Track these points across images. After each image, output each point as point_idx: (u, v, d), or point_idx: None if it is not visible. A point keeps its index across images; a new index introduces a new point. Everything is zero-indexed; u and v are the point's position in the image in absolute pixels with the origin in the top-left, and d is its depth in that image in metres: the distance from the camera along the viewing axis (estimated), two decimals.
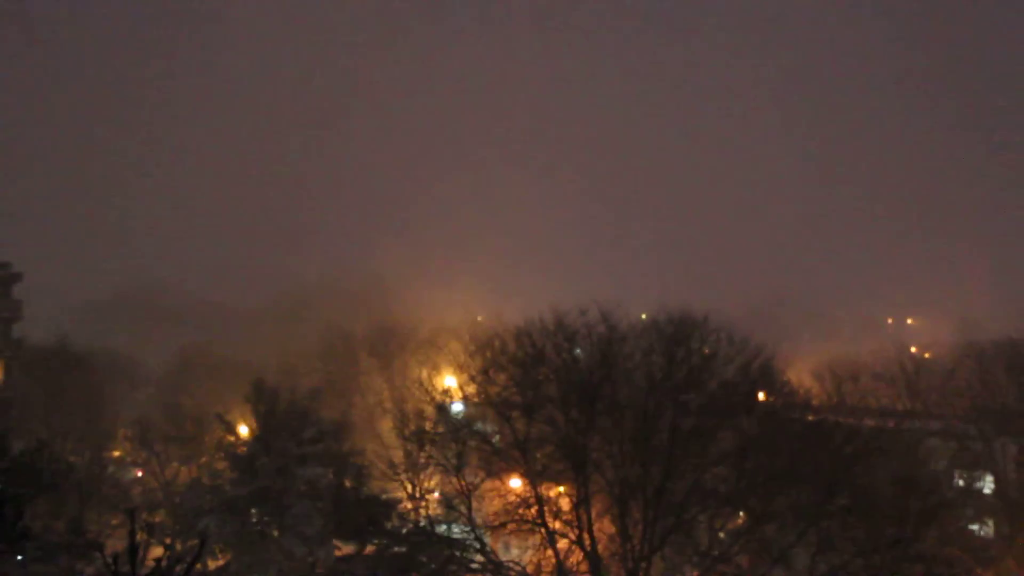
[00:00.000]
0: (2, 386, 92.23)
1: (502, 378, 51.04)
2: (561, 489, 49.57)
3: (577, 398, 47.25)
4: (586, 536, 46.76)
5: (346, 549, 51.91)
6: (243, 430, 59.07)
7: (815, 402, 62.38)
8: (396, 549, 50.33)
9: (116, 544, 39.21)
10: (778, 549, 45.45)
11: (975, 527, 60.60)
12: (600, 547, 46.79)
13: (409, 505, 55.73)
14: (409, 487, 58.91)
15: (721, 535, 47.83)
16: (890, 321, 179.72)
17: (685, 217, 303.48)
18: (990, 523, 63.09)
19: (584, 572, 47.23)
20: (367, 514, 51.65)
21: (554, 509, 48.38)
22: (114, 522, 56.00)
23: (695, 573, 46.50)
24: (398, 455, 60.65)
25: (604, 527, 47.41)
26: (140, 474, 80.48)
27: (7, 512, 11.13)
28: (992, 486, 65.01)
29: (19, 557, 31.69)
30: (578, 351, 51.19)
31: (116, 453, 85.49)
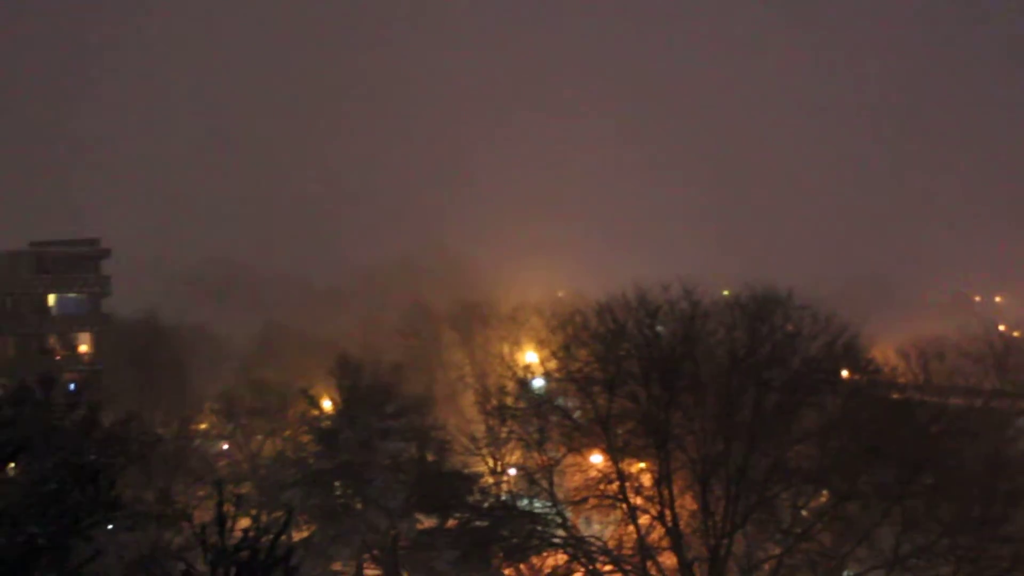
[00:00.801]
0: (92, 360, 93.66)
1: (583, 354, 51.00)
2: (642, 465, 49.44)
3: (659, 374, 47.04)
4: (667, 512, 46.61)
5: (428, 522, 52.13)
6: (326, 404, 59.49)
7: (900, 380, 61.75)
8: (478, 523, 50.37)
9: (203, 515, 39.54)
10: (862, 528, 45.06)
11: None
12: (681, 523, 46.65)
13: (490, 480, 55.88)
14: (491, 462, 59.01)
15: (804, 513, 47.53)
16: (978, 299, 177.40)
17: (771, 193, 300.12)
18: None
19: (665, 548, 47.14)
20: (449, 488, 51.79)
21: (635, 485, 48.28)
22: (201, 493, 56.64)
23: (777, 550, 46.21)
24: (480, 430, 60.77)
25: (686, 503, 47.25)
26: (226, 447, 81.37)
27: (100, 482, 11.35)
28: None
29: (109, 527, 32.11)
30: (660, 327, 50.98)
31: (202, 426, 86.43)
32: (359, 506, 51.31)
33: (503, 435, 57.44)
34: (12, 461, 10.92)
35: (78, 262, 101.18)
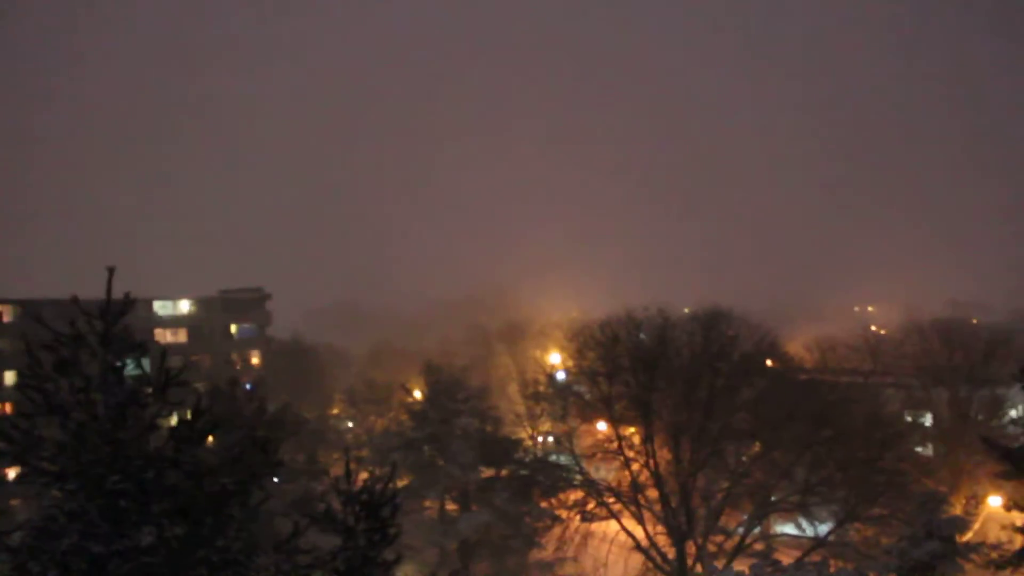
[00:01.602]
0: (260, 368, 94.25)
1: (591, 355, 50.96)
2: (633, 429, 49.20)
3: (643, 367, 46.96)
4: (651, 461, 46.42)
5: (488, 472, 51.96)
6: (417, 394, 59.54)
7: (807, 366, 61.60)
8: (522, 472, 50.32)
9: (337, 470, 39.60)
10: (783, 468, 44.85)
11: (919, 449, 59.11)
12: (661, 468, 46.41)
13: (530, 443, 55.65)
14: (529, 430, 58.87)
15: (744, 459, 47.30)
16: (856, 308, 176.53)
17: (723, 227, 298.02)
18: (930, 446, 61.90)
19: (650, 485, 46.91)
20: (502, 449, 51.66)
21: (629, 443, 48.11)
22: (335, 456, 56.75)
23: (726, 484, 45.92)
24: (521, 409, 60.62)
25: (663, 455, 46.98)
26: (350, 424, 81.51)
27: (268, 449, 11.38)
28: (931, 421, 64.03)
29: (275, 480, 32.12)
30: (642, 335, 50.99)
31: (334, 411, 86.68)
32: (441, 463, 51.14)
33: (537, 412, 57.48)
34: (211, 436, 10.95)
35: (250, 303, 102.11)
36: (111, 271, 10.38)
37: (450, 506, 52.03)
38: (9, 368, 76.61)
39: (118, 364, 10.58)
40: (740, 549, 43.61)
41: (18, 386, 10.61)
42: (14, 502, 59.12)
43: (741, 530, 45.79)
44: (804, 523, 45.39)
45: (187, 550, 10.29)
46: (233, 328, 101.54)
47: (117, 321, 10.51)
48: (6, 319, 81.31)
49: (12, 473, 64.06)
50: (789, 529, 47.92)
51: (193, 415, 10.88)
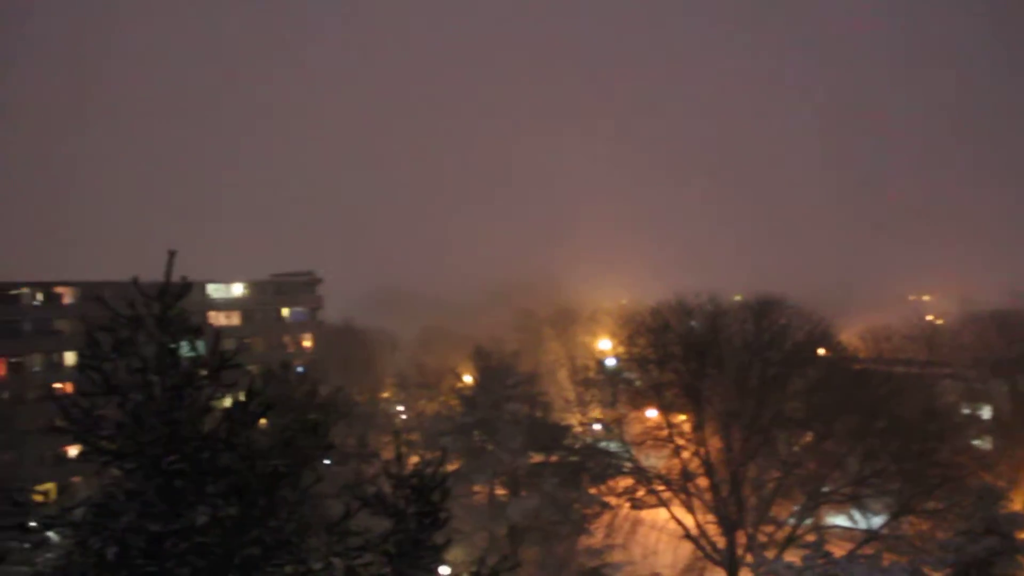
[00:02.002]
0: (312, 352, 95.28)
1: (641, 341, 50.82)
2: (683, 417, 48.96)
3: (693, 354, 46.70)
4: (701, 449, 46.17)
5: (537, 458, 52.08)
6: (467, 379, 59.79)
7: (861, 356, 60.81)
8: (571, 458, 50.34)
9: (387, 454, 39.95)
10: (835, 458, 44.33)
11: (977, 442, 58.01)
12: (711, 456, 46.14)
13: (579, 429, 55.55)
14: (579, 416, 58.74)
15: (795, 448, 46.85)
16: (912, 298, 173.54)
17: (771, 216, 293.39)
18: (988, 440, 60.75)
19: (700, 474, 46.66)
20: (551, 435, 51.74)
21: (679, 431, 47.88)
22: (385, 440, 57.14)
23: (777, 474, 45.51)
24: (571, 395, 60.50)
25: (714, 443, 46.68)
26: (400, 408, 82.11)
27: (320, 432, 11.54)
28: (989, 414, 62.82)
29: (326, 462, 32.46)
30: (693, 322, 50.67)
31: (385, 395, 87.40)
32: (491, 447, 51.38)
33: (587, 398, 57.31)
34: (263, 418, 11.10)
35: (302, 287, 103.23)
36: (172, 255, 10.54)
37: (499, 491, 52.25)
38: (70, 349, 78.38)
39: (174, 346, 10.75)
40: (791, 540, 43.22)
41: (78, 366, 10.83)
42: (75, 479, 60.70)
43: (792, 521, 45.38)
44: (857, 515, 44.83)
45: (241, 530, 10.45)
46: (285, 311, 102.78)
47: (174, 304, 10.68)
48: (67, 301, 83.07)
49: (73, 451, 65.83)
50: (841, 521, 47.33)
51: (247, 397, 11.03)
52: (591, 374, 55.90)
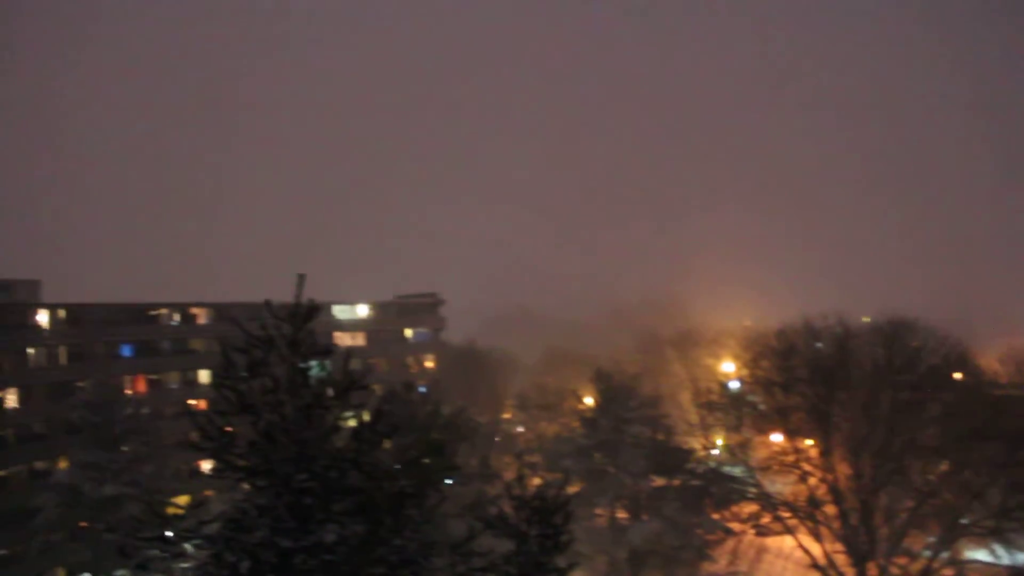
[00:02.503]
0: (435, 372, 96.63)
1: (766, 364, 49.80)
2: (810, 442, 47.68)
3: (821, 378, 45.46)
4: (830, 476, 44.85)
5: (659, 481, 51.56)
6: (588, 401, 59.63)
7: (1001, 380, 57.90)
8: (694, 482, 49.67)
9: (509, 475, 40.10)
10: (975, 489, 42.32)
11: None
12: (840, 483, 44.73)
13: (702, 453, 54.72)
14: (702, 440, 57.85)
15: (930, 477, 44.96)
16: None
17: (901, 234, 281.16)
18: None
19: (828, 501, 45.31)
20: (673, 458, 51.20)
21: (806, 456, 46.66)
22: (506, 460, 57.42)
23: (911, 503, 43.80)
24: (694, 418, 59.65)
25: (842, 470, 45.25)
26: (521, 429, 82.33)
27: (444, 452, 11.70)
28: None
29: (449, 482, 32.79)
30: (820, 344, 49.41)
31: (506, 416, 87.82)
32: (612, 470, 51.10)
33: (710, 421, 56.46)
34: (388, 438, 11.32)
35: (425, 308, 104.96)
36: (301, 278, 10.88)
37: (620, 514, 51.89)
38: (204, 367, 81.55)
39: (305, 367, 11.08)
40: (927, 574, 41.49)
41: (214, 385, 11.26)
42: (208, 493, 62.92)
43: (928, 553, 43.51)
44: (999, 550, 42.70)
45: (367, 548, 10.66)
46: (408, 332, 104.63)
47: (304, 325, 11.01)
48: (201, 321, 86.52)
49: (206, 465, 68.10)
50: (982, 556, 45.13)
51: (373, 418, 11.27)
52: (714, 397, 55.00)
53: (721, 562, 47.41)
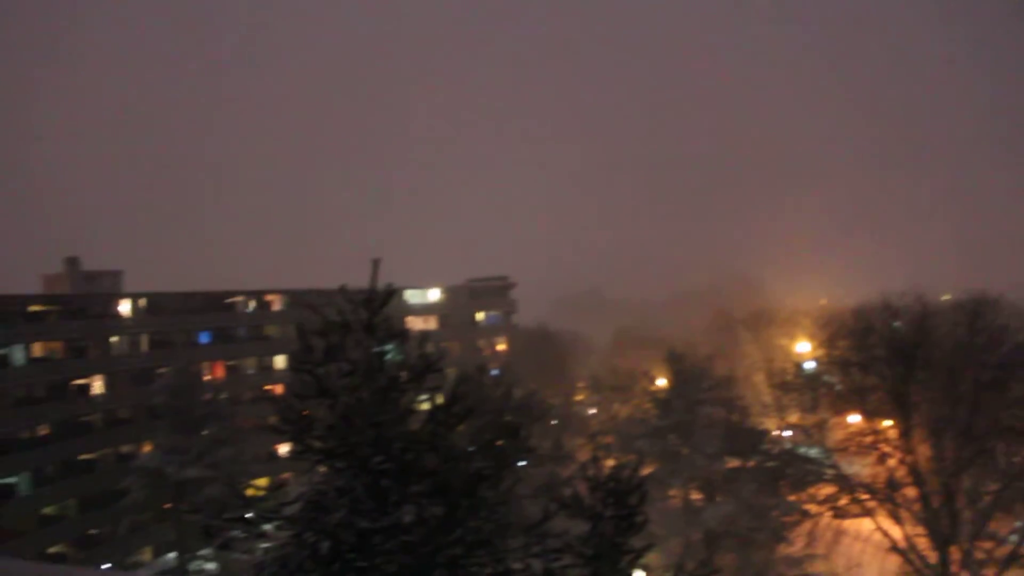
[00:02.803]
0: (506, 355, 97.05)
1: (843, 343, 49.07)
2: (889, 423, 46.84)
3: (899, 358, 44.55)
4: (909, 457, 44.02)
5: (733, 463, 51.26)
6: (661, 382, 59.43)
7: None
8: (769, 464, 49.27)
9: (582, 456, 40.14)
10: None
11: None
12: (920, 465, 43.85)
13: (777, 433, 54.19)
14: (777, 421, 57.27)
15: (1016, 459, 43.90)
16: None
17: (981, 207, 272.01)
18: None
19: (908, 483, 44.50)
20: (748, 439, 50.88)
21: (884, 438, 45.85)
22: (579, 442, 57.57)
23: (996, 486, 42.80)
24: (768, 399, 59.04)
25: (923, 451, 44.37)
26: (593, 411, 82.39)
27: (517, 435, 11.79)
28: None
29: (522, 463, 32.94)
30: (898, 324, 48.46)
31: (578, 398, 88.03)
32: (686, 451, 50.93)
33: (785, 402, 55.84)
34: (463, 422, 11.46)
35: (496, 291, 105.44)
36: (376, 263, 11.03)
37: (694, 496, 51.71)
38: (279, 353, 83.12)
39: (381, 351, 11.25)
40: (1014, 558, 40.54)
41: (293, 369, 11.52)
42: (286, 475, 64.26)
43: (1015, 538, 42.52)
44: None
45: (444, 529, 10.81)
46: (480, 316, 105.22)
47: (380, 310, 11.18)
48: (276, 308, 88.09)
49: (283, 449, 69.50)
50: None
51: (449, 401, 11.40)
52: (789, 377, 54.32)
53: (797, 544, 46.96)
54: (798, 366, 55.92)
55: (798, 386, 52.55)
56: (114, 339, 73.16)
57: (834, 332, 50.81)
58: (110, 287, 76.52)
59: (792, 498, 48.47)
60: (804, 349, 74.96)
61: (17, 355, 64.37)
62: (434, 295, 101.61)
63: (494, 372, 56.59)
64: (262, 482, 63.19)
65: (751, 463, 50.11)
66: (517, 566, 11.82)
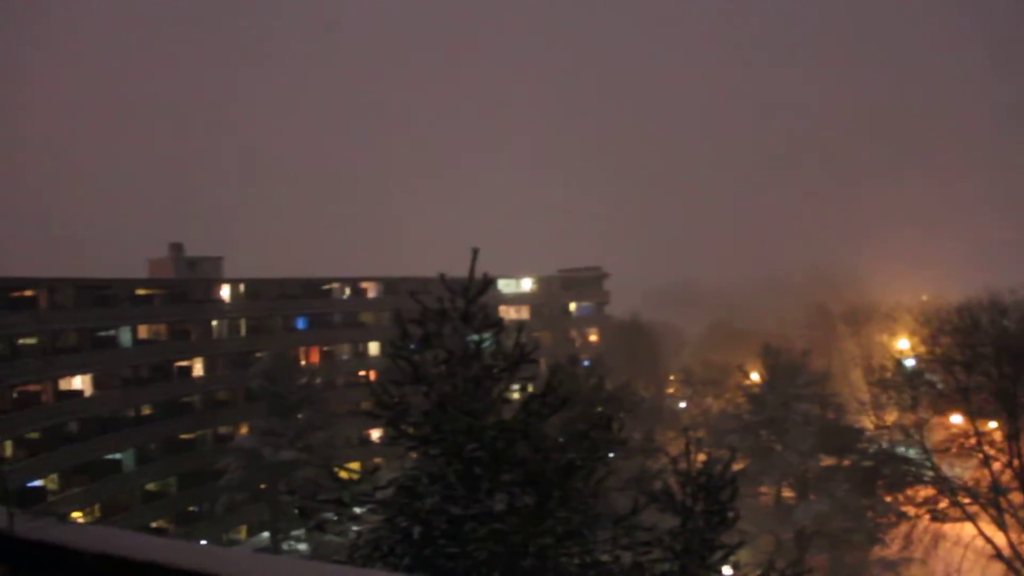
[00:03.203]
0: (598, 346, 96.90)
1: (946, 341, 47.66)
2: (994, 424, 45.35)
3: (1007, 357, 43.08)
4: (1016, 461, 42.56)
5: (827, 461, 50.28)
6: (754, 376, 58.59)
7: None
8: (865, 463, 48.24)
9: (673, 450, 39.84)
10: None
11: None
12: None
13: (874, 432, 52.88)
14: (874, 419, 55.91)
15: None
16: None
17: None
18: None
19: (1014, 488, 43.03)
20: (843, 437, 49.84)
21: (989, 439, 44.45)
22: (670, 435, 57.11)
23: None
24: (865, 396, 57.67)
25: None
26: (684, 405, 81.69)
27: (609, 426, 11.81)
28: None
29: (611, 455, 32.91)
30: (1006, 322, 46.80)
31: (670, 390, 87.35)
32: (779, 448, 50.13)
33: (883, 400, 54.52)
34: (556, 412, 11.52)
35: (589, 282, 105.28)
36: (475, 252, 11.16)
37: (787, 493, 50.91)
38: (373, 339, 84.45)
39: (477, 339, 11.39)
40: None
41: (390, 356, 11.73)
42: (377, 460, 65.34)
43: None
44: None
45: (535, 519, 10.90)
46: (572, 306, 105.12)
47: (477, 299, 11.31)
48: (370, 295, 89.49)
49: (375, 434, 70.54)
50: None
51: (543, 391, 11.47)
52: (888, 375, 52.98)
53: (893, 547, 45.87)
54: (898, 363, 54.48)
55: (898, 384, 51.29)
56: (214, 323, 75.29)
57: (937, 329, 49.39)
58: (211, 272, 78.70)
59: (888, 499, 47.42)
60: (904, 346, 73.00)
61: (124, 337, 66.77)
62: (526, 285, 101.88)
63: (586, 363, 56.51)
64: (354, 466, 64.47)
65: (846, 462, 49.11)
66: (605, 558, 11.86)
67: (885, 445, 50.13)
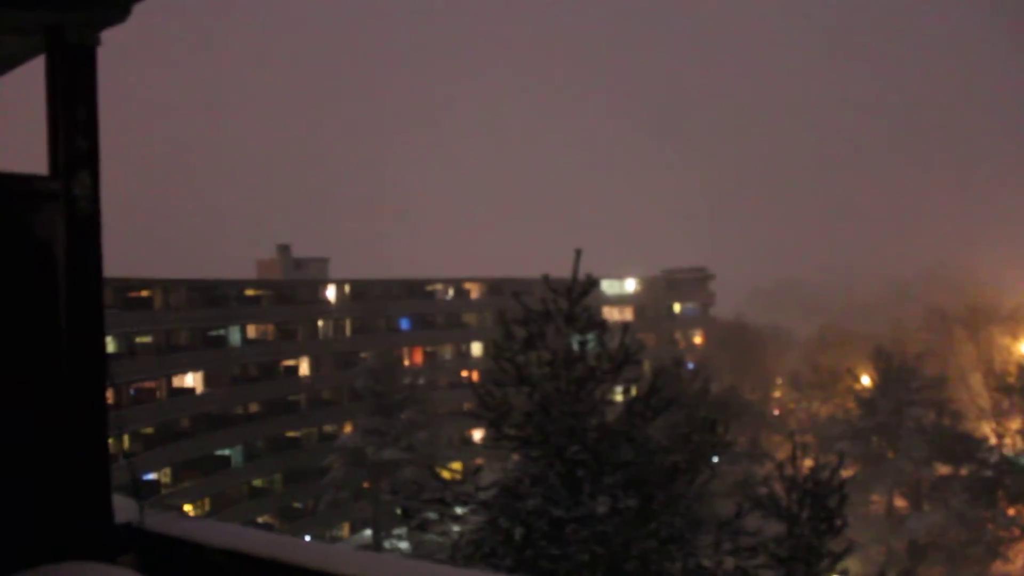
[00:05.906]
0: (703, 348, 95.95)
1: None
2: None
3: None
4: None
5: (943, 470, 48.77)
6: (865, 380, 57.28)
7: None
8: (985, 473, 46.62)
9: (779, 455, 39.26)
10: None
11: None
12: None
13: (995, 440, 51.11)
14: (995, 426, 54.06)
15: None
16: None
17: None
18: None
19: None
20: (961, 445, 48.24)
21: None
22: (776, 440, 56.23)
23: None
24: (986, 403, 55.79)
25: None
26: (792, 408, 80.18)
27: (715, 430, 11.84)
28: None
29: (715, 459, 32.65)
30: None
31: (776, 394, 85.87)
32: (891, 455, 48.91)
33: (1006, 406, 52.62)
34: (660, 415, 11.55)
35: (693, 283, 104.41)
36: (578, 253, 11.26)
37: (899, 502, 49.65)
38: (475, 340, 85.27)
39: (581, 340, 11.50)
40: None
41: (493, 357, 11.92)
42: (478, 461, 65.98)
43: None
44: None
45: (638, 522, 10.95)
46: (676, 307, 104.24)
47: (580, 300, 11.42)
48: (473, 296, 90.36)
49: (477, 434, 71.30)
50: None
51: (647, 393, 11.52)
52: (1011, 379, 51.12)
53: (1016, 562, 44.31)
54: (1021, 368, 52.53)
55: (1021, 389, 49.52)
56: (320, 323, 77.10)
57: None
58: (317, 273, 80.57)
59: (1011, 512, 45.74)
60: None
61: (234, 336, 68.95)
62: (630, 285, 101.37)
63: (690, 365, 56.04)
64: (456, 466, 65.36)
65: (963, 471, 47.54)
66: (708, 563, 11.83)
67: (1008, 454, 48.47)
